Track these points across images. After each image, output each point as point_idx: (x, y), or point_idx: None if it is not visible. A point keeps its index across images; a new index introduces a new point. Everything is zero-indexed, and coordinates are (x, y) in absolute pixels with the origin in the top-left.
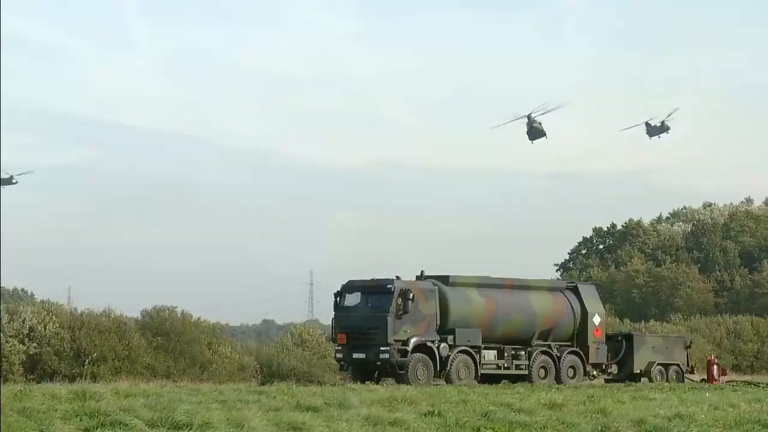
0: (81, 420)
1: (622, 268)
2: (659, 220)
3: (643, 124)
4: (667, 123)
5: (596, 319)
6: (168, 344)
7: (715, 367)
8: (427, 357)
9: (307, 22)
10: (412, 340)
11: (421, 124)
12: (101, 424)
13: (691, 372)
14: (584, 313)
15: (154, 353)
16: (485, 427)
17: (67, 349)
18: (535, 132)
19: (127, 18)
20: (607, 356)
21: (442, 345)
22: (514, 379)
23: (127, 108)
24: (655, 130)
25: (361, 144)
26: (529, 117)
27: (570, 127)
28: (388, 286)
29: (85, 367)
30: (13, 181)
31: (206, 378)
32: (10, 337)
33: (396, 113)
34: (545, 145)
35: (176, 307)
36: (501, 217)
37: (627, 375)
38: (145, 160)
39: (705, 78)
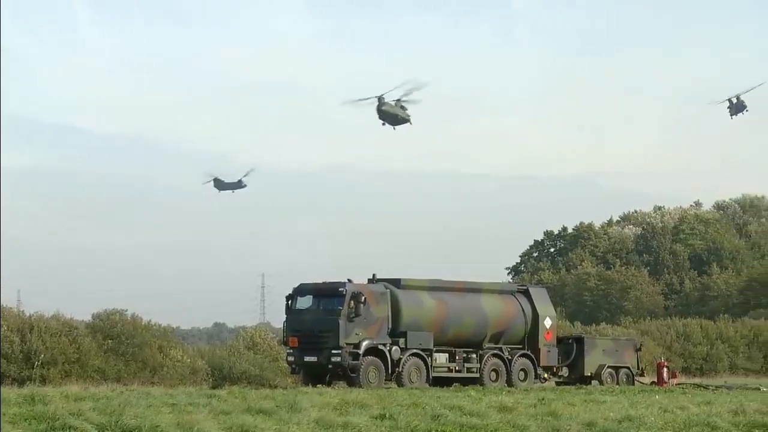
0: (30, 424)
1: (572, 271)
2: (610, 223)
3: (727, 101)
4: (743, 101)
5: (547, 322)
6: (119, 347)
7: (665, 369)
8: (378, 360)
9: (262, 24)
10: (364, 343)
11: (376, 127)
12: (51, 428)
13: (641, 375)
14: (535, 316)
15: (105, 356)
16: (436, 430)
17: (16, 351)
18: (386, 115)
19: (80, 19)
20: (558, 359)
21: (394, 348)
22: (466, 382)
23: (80, 110)
24: (733, 108)
25: (316, 147)
26: (379, 99)
27: (523, 130)
28: (340, 289)
29: (35, 370)
30: (243, 184)
31: (157, 381)
32: None
33: (351, 116)
34: (498, 147)
35: (127, 311)
36: (453, 219)
37: (578, 378)
38: (97, 163)
39: (656, 82)
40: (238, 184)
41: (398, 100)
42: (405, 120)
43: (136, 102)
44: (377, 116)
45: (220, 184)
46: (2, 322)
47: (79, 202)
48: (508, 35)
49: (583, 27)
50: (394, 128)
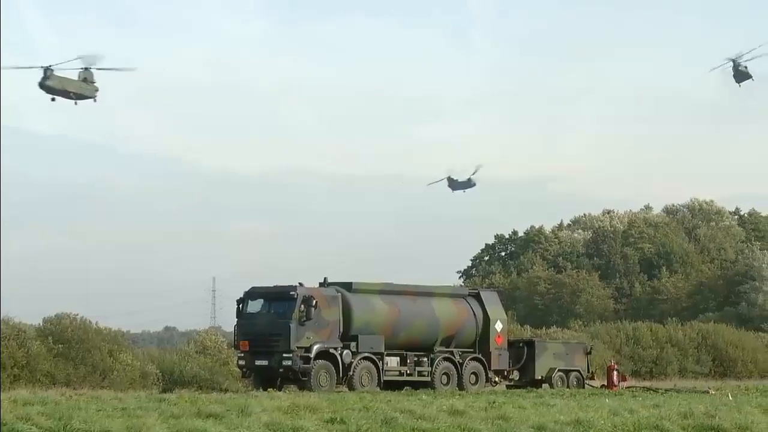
0: None
1: (523, 274)
2: (560, 227)
3: (730, 63)
4: (744, 68)
5: (498, 326)
6: (68, 352)
7: (615, 373)
8: (329, 364)
9: (213, 27)
10: (315, 347)
11: (328, 131)
12: None
13: (592, 378)
14: (486, 320)
15: (54, 361)
16: None
17: None
18: (53, 90)
19: (30, 20)
20: (509, 362)
21: (345, 352)
22: (417, 385)
23: (30, 113)
24: (739, 75)
25: (267, 151)
26: (45, 71)
27: (474, 133)
28: (291, 292)
29: None
30: (473, 183)
31: (107, 386)
32: None
33: (302, 120)
34: (450, 150)
35: (77, 315)
36: (405, 222)
37: (528, 381)
38: (47, 166)
39: (607, 86)
40: (468, 183)
41: (86, 69)
42: (84, 96)
43: (85, 104)
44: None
45: (453, 184)
46: None
47: (26, 204)
48: (462, 38)
49: (537, 30)
50: (75, 103)
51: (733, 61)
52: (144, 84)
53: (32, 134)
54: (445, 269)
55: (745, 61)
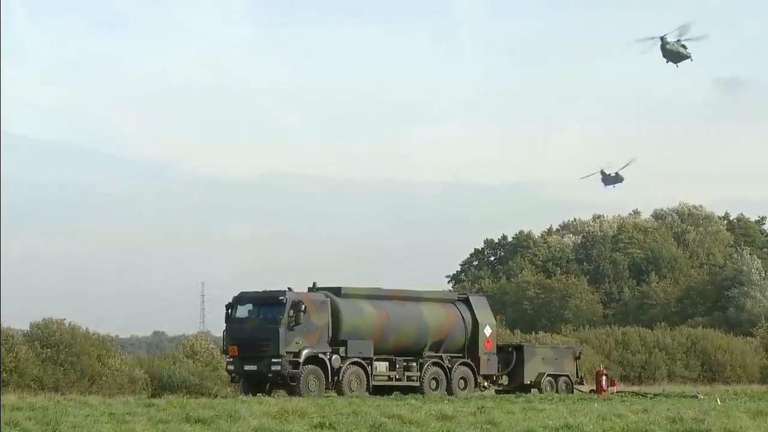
0: None
1: (513, 279)
2: (549, 232)
3: (657, 40)
4: (682, 47)
5: (487, 331)
6: (57, 356)
7: (604, 377)
8: (318, 369)
9: (203, 31)
10: (304, 352)
11: (317, 134)
12: None
13: (581, 383)
14: (475, 325)
15: (42, 366)
16: None
17: None
18: None
19: (19, 22)
20: (498, 367)
21: (334, 356)
22: (406, 390)
23: (19, 116)
24: (669, 54)
25: (262, 154)
26: None
27: (463, 138)
28: (280, 297)
29: None
30: (621, 177)
31: (95, 390)
32: None
33: (292, 123)
34: (439, 155)
35: (65, 319)
36: (394, 227)
37: (517, 386)
38: (37, 169)
39: (595, 89)
40: (617, 178)
41: None
42: None
43: (75, 108)
44: None
45: (606, 178)
46: None
47: (14, 207)
48: (449, 43)
49: (524, 35)
50: None
51: (662, 38)
52: (141, 86)
53: (20, 138)
54: (434, 274)
55: (684, 41)
